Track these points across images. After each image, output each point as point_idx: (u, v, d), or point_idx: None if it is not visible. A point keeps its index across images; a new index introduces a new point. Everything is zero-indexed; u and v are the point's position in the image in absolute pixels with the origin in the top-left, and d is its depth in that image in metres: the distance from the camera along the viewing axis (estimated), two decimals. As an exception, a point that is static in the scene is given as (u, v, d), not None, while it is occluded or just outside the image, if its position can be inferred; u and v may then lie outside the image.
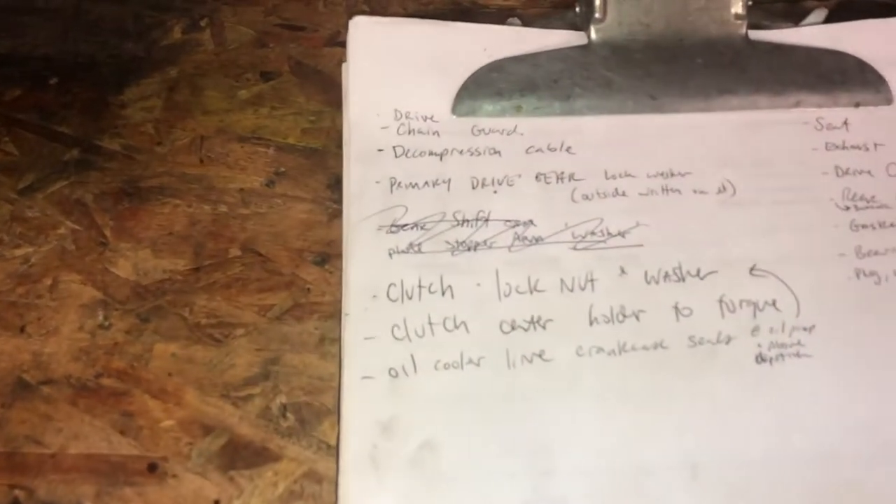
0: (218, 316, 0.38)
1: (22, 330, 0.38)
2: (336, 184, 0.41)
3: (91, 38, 0.45)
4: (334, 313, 0.38)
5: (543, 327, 0.36)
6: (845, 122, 0.41)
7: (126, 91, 0.43)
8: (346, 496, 0.33)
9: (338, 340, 0.37)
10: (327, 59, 0.44)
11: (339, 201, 0.40)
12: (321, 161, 0.41)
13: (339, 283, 0.38)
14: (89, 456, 0.35)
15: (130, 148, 0.42)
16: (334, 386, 0.37)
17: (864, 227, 0.38)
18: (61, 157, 0.42)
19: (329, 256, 0.39)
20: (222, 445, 0.35)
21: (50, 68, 0.44)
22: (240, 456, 0.35)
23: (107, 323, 0.38)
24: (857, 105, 0.42)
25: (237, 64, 0.44)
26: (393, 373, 0.35)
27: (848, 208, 0.39)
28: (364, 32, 0.42)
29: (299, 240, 0.40)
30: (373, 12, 0.48)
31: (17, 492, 0.35)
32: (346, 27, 0.45)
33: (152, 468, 0.35)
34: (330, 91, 0.43)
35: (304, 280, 0.39)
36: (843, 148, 0.40)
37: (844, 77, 0.42)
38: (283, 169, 0.41)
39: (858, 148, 0.41)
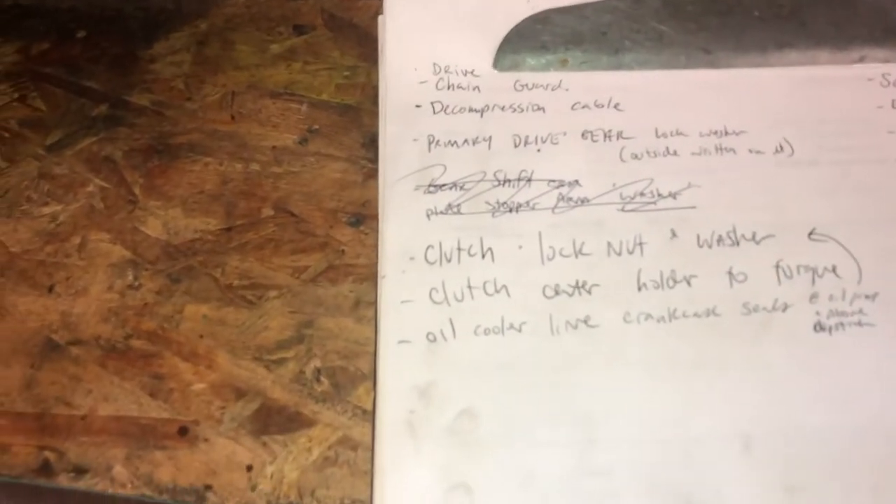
0: (250, 277, 0.37)
1: (50, 289, 0.37)
2: (371, 142, 0.39)
3: (119, -9, 0.44)
4: (370, 276, 0.37)
5: (589, 292, 0.34)
6: (912, 79, 0.39)
7: (155, 45, 0.42)
8: (383, 462, 0.32)
9: (373, 304, 0.36)
10: (362, 11, 0.42)
11: (375, 160, 0.39)
12: (356, 118, 0.40)
13: (375, 245, 0.37)
14: (119, 418, 0.35)
15: (160, 104, 0.40)
16: (370, 351, 0.35)
17: (932, 189, 0.36)
18: (89, 112, 0.40)
19: (364, 217, 0.38)
20: (255, 410, 0.34)
21: (77, 21, 0.43)
22: (273, 421, 0.34)
23: (136, 283, 0.37)
24: (926, 60, 0.39)
25: (269, 17, 0.42)
26: (431, 337, 0.34)
27: (915, 169, 0.37)
28: (402, -17, 0.40)
29: (333, 200, 0.38)
30: (410, -36, 0.46)
31: (47, 453, 0.34)
32: (381, -22, 0.43)
33: (183, 432, 0.34)
34: (365, 45, 0.41)
35: (339, 241, 0.37)
36: (911, 106, 0.38)
37: (913, 30, 0.39)
38: (316, 126, 0.40)
39: (927, 106, 0.38)
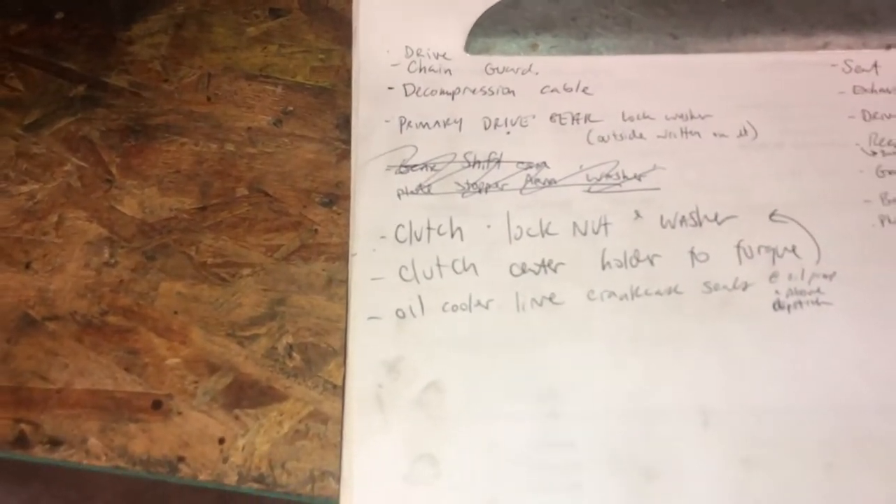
0: (224, 255, 0.37)
1: (27, 266, 0.37)
2: (345, 124, 0.40)
3: (98, -27, 0.44)
4: (342, 255, 0.37)
5: (554, 270, 0.35)
6: (875, 65, 0.40)
7: (133, 27, 0.42)
8: (351, 435, 0.32)
9: (345, 282, 0.37)
10: (338, -5, 0.43)
11: (348, 142, 0.39)
12: (330, 100, 0.40)
13: (347, 225, 0.38)
14: (94, 392, 0.35)
15: (137, 85, 0.41)
16: (341, 327, 0.36)
17: (890, 173, 0.37)
18: (67, 93, 0.41)
19: (337, 198, 0.38)
20: (228, 384, 0.35)
21: (55, 2, 0.43)
22: (245, 395, 0.35)
23: (112, 260, 0.37)
24: (888, 47, 0.40)
25: (246, 0, 0.43)
26: (400, 314, 0.34)
27: (875, 153, 0.37)
28: (376, -34, 0.40)
29: (307, 180, 0.39)
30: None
31: (23, 426, 0.35)
32: (357, -37, 0.44)
33: (157, 405, 0.35)
34: (340, 29, 0.42)
35: (312, 221, 0.38)
36: (872, 91, 0.39)
37: (876, 17, 0.40)
38: (291, 108, 0.40)
39: (888, 91, 0.39)
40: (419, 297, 0.35)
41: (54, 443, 0.34)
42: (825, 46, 0.40)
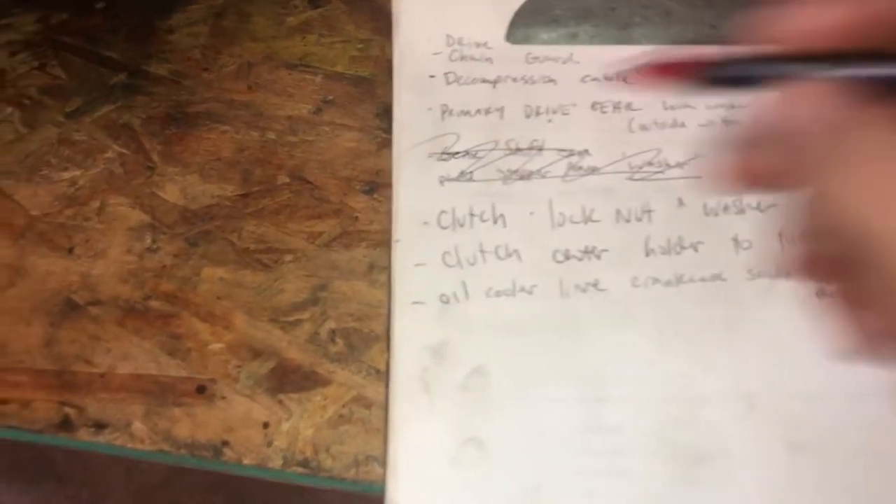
0: (266, 242, 0.38)
1: (70, 251, 0.38)
2: (384, 113, 0.40)
3: (137, -36, 0.44)
4: (383, 242, 0.37)
5: (598, 257, 0.35)
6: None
7: (173, 16, 0.42)
8: (397, 418, 0.33)
9: (386, 269, 0.37)
10: (377, -14, 0.43)
11: (388, 130, 0.39)
12: (370, 90, 0.41)
13: (388, 213, 0.38)
14: (138, 376, 0.35)
15: (177, 73, 0.41)
16: (383, 313, 0.36)
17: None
18: (108, 81, 0.41)
19: (377, 185, 0.38)
20: (271, 369, 0.35)
21: (96, -7, 0.43)
22: (288, 380, 0.35)
23: (155, 246, 0.38)
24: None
25: (285, -10, 0.43)
26: (444, 299, 0.34)
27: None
28: (416, -43, 0.40)
29: (347, 168, 0.39)
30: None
31: (67, 409, 0.35)
32: (395, -46, 0.44)
33: (201, 390, 0.35)
34: (379, 19, 0.42)
35: (353, 208, 0.38)
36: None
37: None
38: (331, 97, 0.40)
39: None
40: (463, 283, 0.35)
41: (99, 426, 0.34)
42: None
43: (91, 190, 0.39)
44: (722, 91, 0.23)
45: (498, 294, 0.34)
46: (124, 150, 0.40)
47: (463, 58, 0.39)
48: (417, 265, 0.35)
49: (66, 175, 0.39)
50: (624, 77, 0.27)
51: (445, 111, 0.38)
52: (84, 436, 0.34)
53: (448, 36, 0.39)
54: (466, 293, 0.34)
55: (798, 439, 0.32)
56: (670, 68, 0.22)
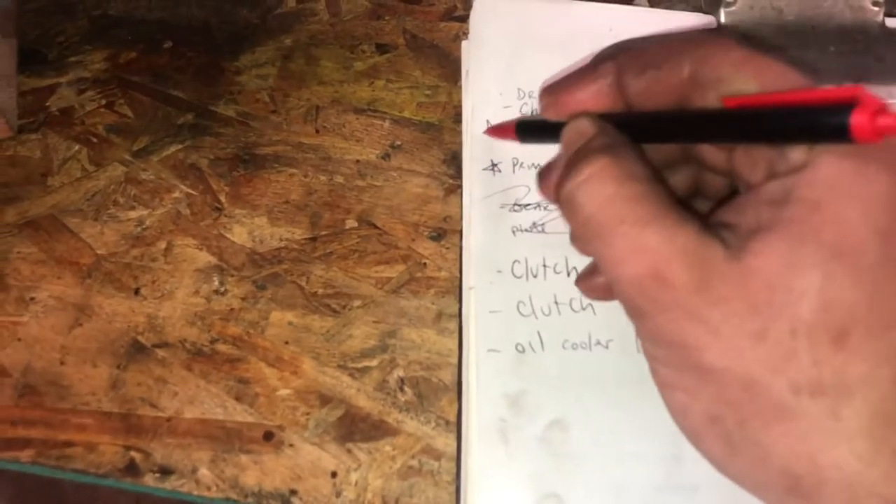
0: (335, 286, 0.37)
1: (136, 292, 0.37)
2: (452, 159, 0.40)
3: (205, 3, 0.45)
4: (451, 289, 0.37)
5: (672, 312, 0.35)
6: None
7: (241, 58, 0.43)
8: (473, 469, 0.32)
9: (455, 317, 0.37)
10: (443, 33, 0.43)
11: (455, 177, 0.40)
12: (437, 136, 0.41)
13: (456, 259, 0.38)
14: (205, 421, 0.35)
15: (245, 115, 0.41)
16: (452, 363, 0.36)
17: None
18: (175, 120, 0.41)
19: (445, 232, 0.38)
20: (340, 416, 0.35)
21: (163, 32, 0.44)
22: (357, 428, 0.35)
23: (222, 289, 0.37)
24: None
25: (352, 35, 0.43)
26: (520, 348, 0.34)
27: None
28: (489, 9, 0.40)
29: (415, 214, 0.39)
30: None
31: (133, 453, 0.34)
32: (463, 2, 0.44)
33: (268, 436, 0.35)
34: (446, 66, 0.42)
35: (421, 254, 0.38)
36: None
37: (982, 70, 0.40)
38: (398, 142, 0.41)
39: None
40: (538, 333, 0.34)
41: (164, 472, 0.34)
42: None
43: (158, 230, 0.39)
44: (537, 142, 0.34)
45: (574, 347, 0.34)
46: (192, 191, 0.40)
47: (533, 111, 0.39)
48: (492, 312, 0.35)
49: (133, 214, 0.39)
50: (486, 132, 0.38)
51: (516, 164, 0.38)
52: (149, 481, 0.34)
53: (519, 90, 0.39)
54: (542, 343, 0.34)
55: None
56: (502, 130, 0.36)
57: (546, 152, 0.39)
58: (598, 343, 0.34)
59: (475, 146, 0.38)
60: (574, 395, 0.33)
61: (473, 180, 0.37)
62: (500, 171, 0.38)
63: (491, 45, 0.40)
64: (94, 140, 0.41)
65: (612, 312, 0.35)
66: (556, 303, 0.35)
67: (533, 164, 0.38)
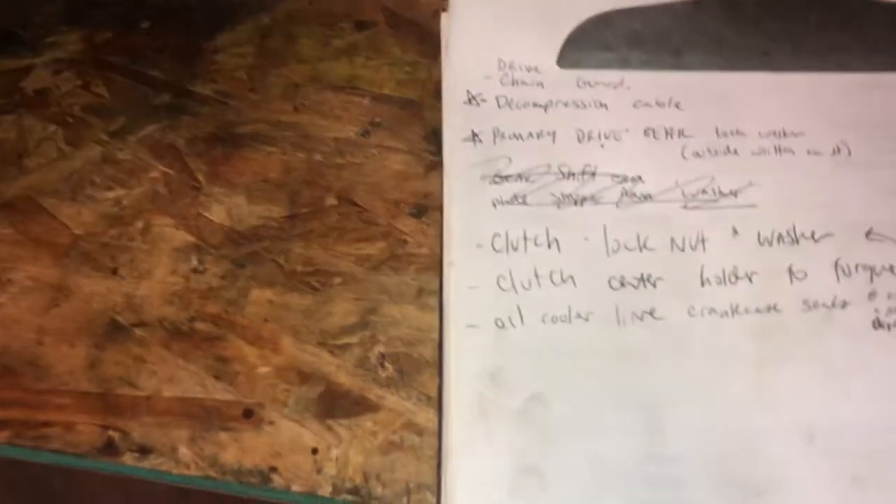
0: (315, 264, 0.37)
1: (114, 272, 0.37)
2: (432, 135, 0.40)
3: (182, -17, 0.44)
4: (432, 266, 0.37)
5: (654, 285, 0.35)
6: (967, 86, 0.40)
7: (218, 37, 0.42)
8: (452, 444, 0.32)
9: (436, 293, 0.36)
10: (423, 9, 0.43)
11: (436, 153, 0.39)
12: (417, 112, 0.40)
13: (437, 236, 0.37)
14: (184, 399, 0.35)
15: (223, 94, 0.41)
16: (433, 338, 0.36)
17: None
18: (153, 100, 0.41)
19: (426, 208, 0.38)
20: (320, 393, 0.35)
21: (141, 12, 0.43)
22: (338, 405, 0.34)
23: (201, 267, 0.37)
24: (977, 69, 0.40)
25: (331, 13, 0.43)
26: (499, 323, 0.34)
27: (971, 173, 0.37)
28: (468, -19, 0.40)
29: (395, 191, 0.39)
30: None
31: (111, 433, 0.34)
32: (441, -22, 0.44)
33: (248, 414, 0.34)
34: (426, 42, 0.42)
35: (401, 231, 0.38)
36: (966, 112, 0.39)
37: (965, 40, 0.40)
38: (378, 119, 0.40)
39: (981, 112, 0.39)
40: (518, 307, 0.34)
41: (143, 451, 0.34)
42: (917, 67, 0.40)
43: (135, 210, 0.38)
44: None
45: (554, 320, 0.34)
46: (169, 170, 0.39)
47: (514, 82, 0.39)
48: (471, 288, 0.35)
49: (110, 194, 0.39)
50: None
51: (497, 134, 0.38)
52: (128, 460, 0.34)
53: (499, 60, 0.39)
54: (521, 318, 0.34)
55: (861, 473, 0.31)
56: None
57: (529, 121, 0.39)
58: (579, 316, 0.34)
59: (455, 116, 0.38)
60: (553, 368, 0.33)
61: (453, 151, 0.37)
62: (480, 141, 0.38)
63: (470, 17, 0.40)
64: (71, 121, 0.40)
65: (593, 284, 0.35)
66: (537, 276, 0.35)
67: (514, 135, 0.38)
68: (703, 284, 0.35)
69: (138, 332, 0.36)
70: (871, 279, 0.35)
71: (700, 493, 0.31)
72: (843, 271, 0.35)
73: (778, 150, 0.38)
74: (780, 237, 0.36)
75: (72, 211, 0.38)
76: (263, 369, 0.35)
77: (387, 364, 0.35)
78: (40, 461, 0.34)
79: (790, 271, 0.35)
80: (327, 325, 0.36)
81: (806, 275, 0.35)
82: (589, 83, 0.39)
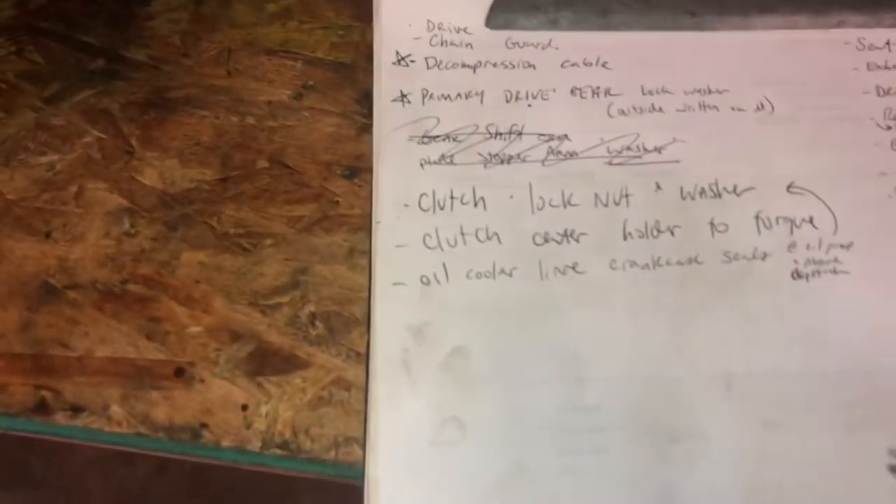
0: (246, 226, 0.37)
1: (48, 235, 0.37)
2: (365, 98, 0.40)
3: (116, -50, 0.44)
4: (363, 226, 0.37)
5: (577, 240, 0.35)
6: (888, 43, 0.40)
7: (152, 3, 0.42)
8: (378, 398, 0.33)
9: (367, 253, 0.37)
10: (357, -27, 0.43)
11: (368, 116, 0.40)
12: (350, 75, 0.41)
13: (368, 197, 0.38)
14: (116, 359, 0.35)
15: (157, 59, 0.41)
16: (363, 297, 0.36)
17: (905, 146, 0.38)
18: (87, 66, 0.41)
19: (358, 170, 0.39)
20: (250, 352, 0.35)
21: (75, -22, 0.43)
22: (268, 363, 0.35)
23: (133, 230, 0.37)
24: (900, 27, 0.41)
25: (265, -23, 0.43)
26: (425, 280, 0.34)
27: (889, 128, 0.38)
28: (397, -58, 0.41)
29: (327, 153, 0.39)
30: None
31: (44, 392, 0.34)
32: (376, -59, 0.44)
33: (179, 373, 0.35)
34: (360, 5, 0.42)
35: (333, 193, 0.38)
36: (886, 68, 0.39)
37: (888, -3, 0.41)
38: (311, 82, 0.41)
39: (901, 69, 0.40)
40: (443, 265, 0.35)
41: (76, 409, 0.34)
42: (839, 25, 0.41)
43: (69, 175, 0.39)
44: None
45: (478, 276, 0.35)
46: (102, 135, 0.39)
47: (443, 43, 0.39)
48: (398, 246, 0.35)
49: (43, 160, 0.39)
50: None
51: (426, 95, 0.38)
52: (61, 419, 0.34)
53: (429, 21, 0.39)
54: (447, 275, 0.35)
55: (774, 418, 0.32)
56: None
57: (458, 81, 0.39)
58: (503, 272, 0.35)
59: (385, 77, 0.38)
60: (477, 323, 0.34)
61: (382, 112, 0.38)
62: (409, 102, 0.38)
63: (400, -21, 0.40)
64: (4, 87, 0.40)
65: (517, 241, 0.35)
66: (463, 234, 0.35)
67: (443, 95, 0.38)
68: (625, 238, 0.36)
69: (71, 294, 0.36)
70: (791, 231, 0.36)
71: (618, 439, 0.32)
72: (764, 224, 0.36)
73: (702, 106, 0.38)
74: (702, 191, 0.37)
75: (4, 176, 0.38)
76: (195, 329, 0.35)
77: (317, 323, 0.36)
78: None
79: (712, 224, 0.36)
80: (258, 285, 0.36)
81: (727, 227, 0.36)
82: (517, 44, 0.40)
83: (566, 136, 0.38)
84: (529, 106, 0.38)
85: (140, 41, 0.41)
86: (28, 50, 0.41)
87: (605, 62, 0.39)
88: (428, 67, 0.39)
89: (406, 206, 0.36)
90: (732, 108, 0.38)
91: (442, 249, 0.35)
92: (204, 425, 0.34)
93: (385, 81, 0.38)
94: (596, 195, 0.36)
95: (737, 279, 0.35)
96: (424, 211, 0.36)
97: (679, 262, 0.35)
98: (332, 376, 0.35)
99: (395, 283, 0.34)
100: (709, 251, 0.35)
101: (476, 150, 0.37)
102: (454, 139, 0.37)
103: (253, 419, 0.34)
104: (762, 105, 0.39)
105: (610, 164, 0.37)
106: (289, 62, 0.41)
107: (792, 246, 0.35)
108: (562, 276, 0.35)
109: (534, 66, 0.39)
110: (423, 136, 0.37)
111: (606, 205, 0.36)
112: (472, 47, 0.39)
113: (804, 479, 0.31)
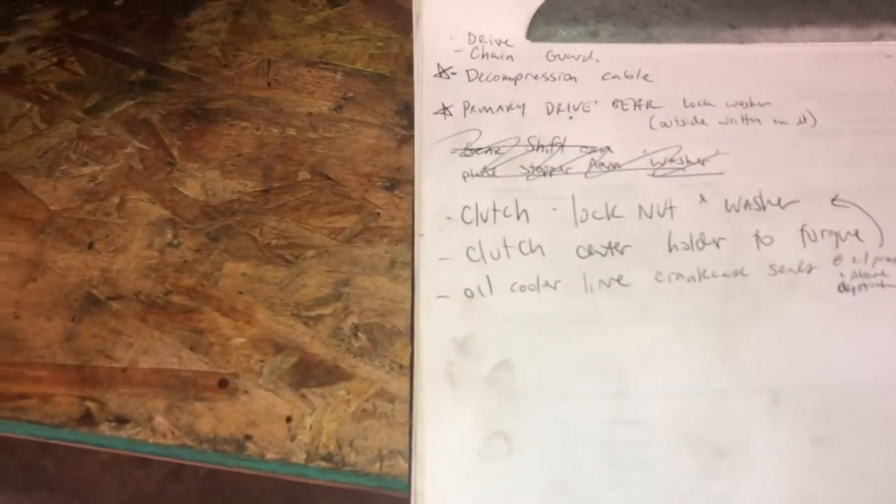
0: (288, 237, 0.38)
1: (90, 246, 0.38)
2: (405, 110, 0.40)
3: (155, -38, 0.45)
4: (404, 238, 0.38)
5: (621, 252, 0.35)
6: (929, 56, 0.40)
7: (192, 13, 0.43)
8: (423, 411, 0.32)
9: (408, 265, 0.37)
10: (395, -15, 0.43)
11: (408, 127, 0.40)
12: (389, 87, 0.41)
13: (409, 209, 0.38)
14: (160, 371, 0.35)
15: (197, 70, 0.41)
16: (406, 308, 0.36)
17: (949, 160, 0.38)
18: (127, 77, 0.41)
19: (398, 182, 0.39)
20: (294, 363, 0.35)
21: (115, -10, 0.44)
22: (311, 374, 0.35)
23: (176, 241, 0.38)
24: (940, 40, 0.41)
25: (303, -11, 0.43)
26: (469, 293, 0.34)
27: (932, 141, 0.38)
28: (438, -46, 0.41)
29: (368, 164, 0.39)
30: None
31: (88, 403, 0.35)
32: (414, -47, 0.44)
33: (223, 384, 0.35)
34: (398, 17, 0.42)
35: (374, 204, 0.38)
36: (927, 81, 0.40)
37: (929, 10, 0.41)
38: (350, 94, 0.41)
39: (942, 82, 0.40)
40: (487, 278, 0.35)
41: (120, 420, 0.34)
42: (880, 38, 0.40)
43: (111, 185, 0.39)
44: None
45: (522, 289, 0.34)
46: (144, 146, 0.40)
47: (484, 55, 0.39)
48: (442, 259, 0.35)
49: (85, 170, 0.39)
50: None
51: (467, 107, 0.38)
52: (105, 430, 0.34)
53: (469, 34, 0.39)
54: (491, 287, 0.34)
55: (821, 432, 0.32)
56: None
57: (499, 94, 0.39)
58: (547, 284, 0.35)
59: (426, 90, 0.38)
60: (521, 336, 0.34)
61: (424, 125, 0.38)
62: (451, 114, 0.38)
63: (441, -9, 0.40)
64: (46, 98, 0.41)
65: (561, 253, 0.35)
66: (506, 246, 0.35)
67: (484, 108, 0.38)
68: (670, 250, 0.35)
69: (114, 305, 0.36)
70: (837, 244, 0.36)
71: (664, 454, 0.32)
72: (809, 237, 0.36)
73: (745, 119, 0.38)
74: (746, 203, 0.36)
75: (47, 187, 0.39)
76: (238, 340, 0.36)
77: (360, 334, 0.36)
78: (18, 434, 0.35)
79: (757, 236, 0.36)
80: (301, 296, 0.36)
81: (773, 240, 0.36)
82: (558, 56, 0.40)
83: (608, 147, 0.38)
84: (571, 118, 0.38)
85: (180, 52, 0.42)
86: (69, 61, 0.42)
87: (646, 74, 0.40)
88: (469, 80, 0.39)
89: (449, 218, 0.36)
90: (775, 121, 0.38)
91: (485, 262, 0.35)
92: (248, 437, 0.34)
93: (426, 94, 0.38)
94: (640, 207, 0.36)
95: (783, 292, 0.35)
96: (467, 223, 0.36)
97: (725, 275, 0.35)
98: (376, 388, 0.35)
99: (439, 296, 0.34)
100: (754, 263, 0.35)
101: (518, 163, 0.37)
102: (496, 151, 0.37)
103: (297, 431, 0.34)
104: (804, 118, 0.38)
105: (653, 175, 0.37)
106: (328, 73, 0.41)
107: (838, 259, 0.35)
108: (606, 289, 0.35)
109: (575, 79, 0.39)
110: (465, 149, 0.37)
111: (650, 217, 0.36)
112: (512, 59, 0.40)
113: (853, 495, 0.31)
